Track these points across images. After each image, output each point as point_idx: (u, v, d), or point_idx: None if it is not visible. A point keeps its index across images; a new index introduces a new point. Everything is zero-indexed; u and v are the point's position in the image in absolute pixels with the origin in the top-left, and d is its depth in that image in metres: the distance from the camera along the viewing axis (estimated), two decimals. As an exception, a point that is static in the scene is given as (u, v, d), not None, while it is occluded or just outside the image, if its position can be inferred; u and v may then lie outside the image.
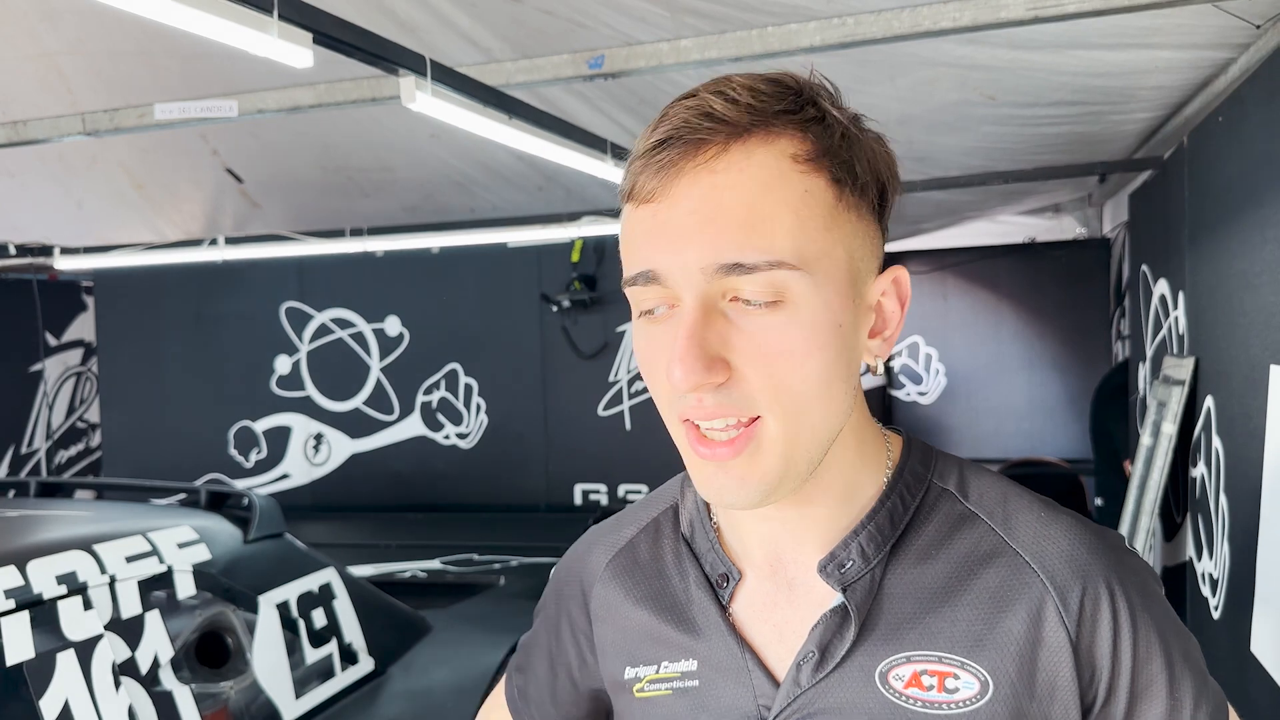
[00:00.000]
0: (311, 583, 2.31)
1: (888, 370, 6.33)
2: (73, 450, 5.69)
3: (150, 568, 1.89)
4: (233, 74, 3.18)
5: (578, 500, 4.80)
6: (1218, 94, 2.53)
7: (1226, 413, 2.20)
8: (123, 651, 1.76)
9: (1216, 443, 2.28)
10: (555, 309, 4.74)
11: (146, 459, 5.32)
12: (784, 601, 0.77)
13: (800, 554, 0.77)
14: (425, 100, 1.86)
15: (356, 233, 4.36)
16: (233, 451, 5.23)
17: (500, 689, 1.01)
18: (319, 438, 5.13)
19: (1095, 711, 0.72)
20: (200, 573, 2.00)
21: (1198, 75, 2.59)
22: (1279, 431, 1.78)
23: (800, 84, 0.69)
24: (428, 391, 5.00)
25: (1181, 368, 2.59)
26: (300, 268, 5.11)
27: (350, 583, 2.45)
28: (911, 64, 2.72)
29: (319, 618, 2.28)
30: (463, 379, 4.96)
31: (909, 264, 6.15)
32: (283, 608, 2.18)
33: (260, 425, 5.20)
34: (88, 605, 1.73)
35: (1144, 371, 3.37)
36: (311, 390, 5.14)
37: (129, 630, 1.79)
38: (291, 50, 1.51)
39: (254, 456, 5.21)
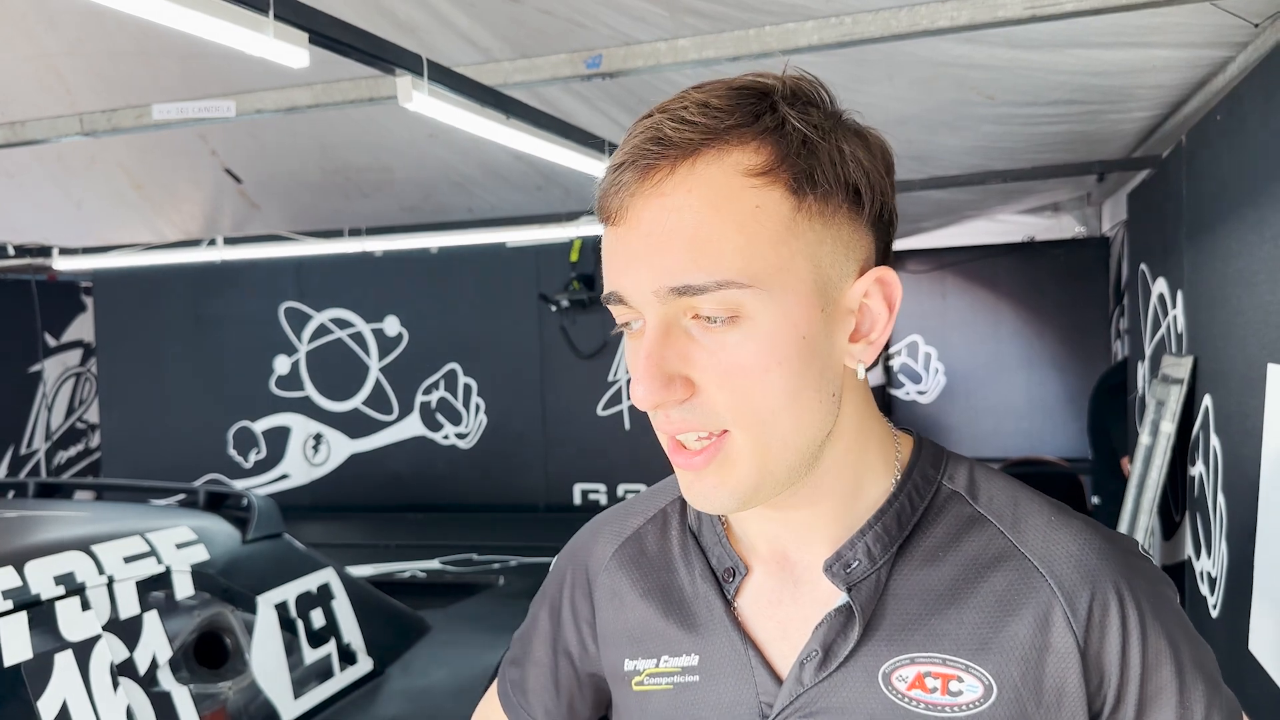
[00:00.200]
0: (310, 583, 2.31)
1: (887, 370, 6.33)
2: (72, 451, 5.69)
3: (148, 568, 1.89)
4: (231, 74, 3.18)
5: (577, 500, 4.80)
6: (1216, 93, 2.53)
7: (1224, 411, 2.20)
8: (121, 652, 1.76)
9: (1214, 441, 2.28)
10: (554, 309, 4.74)
11: (146, 460, 5.32)
12: (789, 598, 0.77)
13: (806, 552, 0.77)
14: (422, 100, 1.86)
15: (355, 233, 4.36)
16: (232, 452, 5.23)
17: (491, 693, 0.99)
18: (318, 438, 5.13)
19: (1103, 718, 0.72)
20: (198, 573, 2.00)
21: (1196, 74, 2.59)
22: (1276, 430, 1.78)
23: (768, 90, 0.69)
24: (427, 391, 5.00)
25: (1180, 366, 2.59)
26: (299, 268, 5.11)
27: (349, 583, 2.45)
28: (910, 63, 2.72)
29: (317, 618, 2.28)
30: (462, 379, 4.96)
31: (908, 263, 6.15)
32: (281, 608, 2.18)
33: (259, 425, 5.20)
34: (86, 606, 1.73)
35: (1143, 370, 3.37)
36: (311, 390, 5.14)
37: (127, 631, 1.79)
38: (287, 50, 1.51)
39: (253, 457, 5.21)
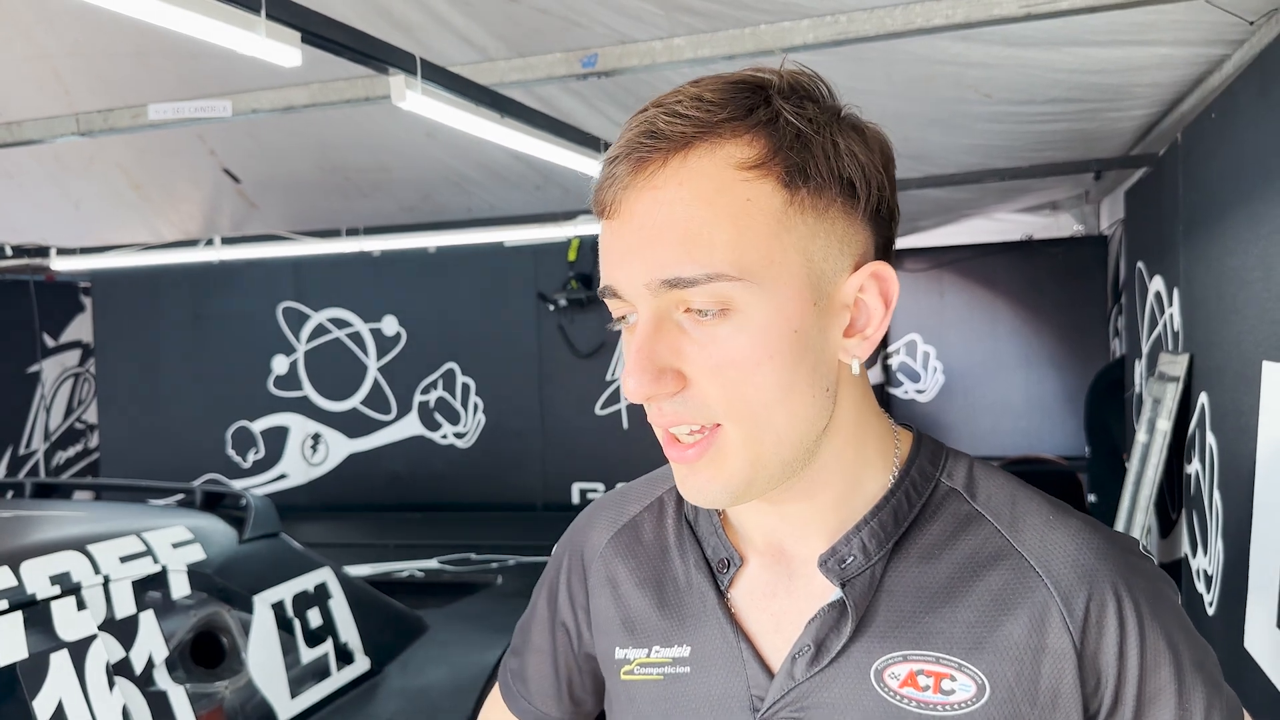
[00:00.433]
0: (307, 582, 2.31)
1: (886, 368, 6.33)
2: (71, 451, 5.69)
3: (144, 568, 1.89)
4: (228, 74, 3.18)
5: (575, 499, 4.81)
6: (1212, 90, 2.53)
7: (1220, 409, 2.20)
8: (117, 652, 1.76)
9: (1210, 439, 2.28)
10: (552, 308, 4.74)
11: (145, 460, 5.33)
12: (783, 591, 0.77)
13: (802, 546, 0.76)
14: (415, 99, 1.86)
15: (353, 232, 4.37)
16: (230, 452, 5.23)
17: (495, 694, 0.99)
18: (316, 438, 5.13)
19: (1101, 719, 0.72)
20: (195, 573, 2.00)
21: (1192, 72, 2.58)
22: (1271, 428, 1.78)
23: (764, 84, 0.69)
24: (425, 391, 5.00)
25: (1176, 364, 2.59)
26: (297, 268, 5.11)
27: (346, 582, 2.45)
28: (907, 61, 2.72)
29: (314, 617, 2.28)
30: (460, 378, 4.96)
31: (905, 262, 6.15)
32: (278, 607, 2.18)
33: (258, 425, 5.20)
34: (81, 605, 1.73)
35: (1140, 368, 3.37)
36: (309, 390, 5.14)
37: (123, 630, 1.79)
38: (279, 49, 1.51)
39: (252, 457, 5.21)
